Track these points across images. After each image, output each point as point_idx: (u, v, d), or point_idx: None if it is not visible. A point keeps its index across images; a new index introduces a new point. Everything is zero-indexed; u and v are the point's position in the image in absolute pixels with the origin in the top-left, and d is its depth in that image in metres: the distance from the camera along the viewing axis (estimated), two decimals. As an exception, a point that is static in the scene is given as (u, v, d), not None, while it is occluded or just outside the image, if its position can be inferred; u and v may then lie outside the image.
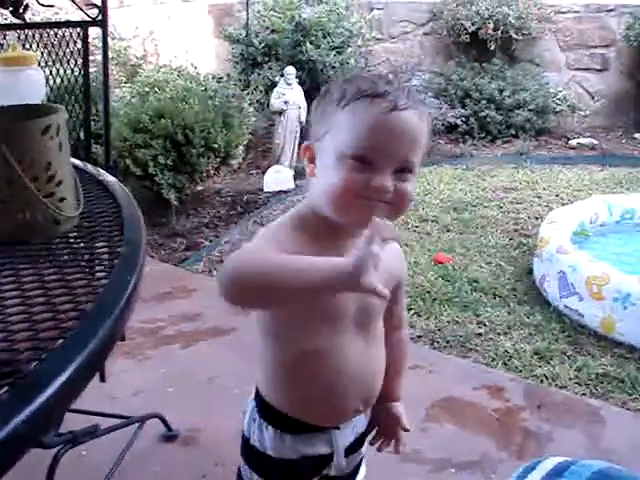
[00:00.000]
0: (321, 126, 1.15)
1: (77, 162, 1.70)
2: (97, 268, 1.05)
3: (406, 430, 1.43)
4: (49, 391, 0.71)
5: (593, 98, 7.28)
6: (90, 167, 1.68)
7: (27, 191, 1.12)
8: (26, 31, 2.44)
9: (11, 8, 2.13)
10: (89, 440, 2.02)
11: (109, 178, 1.57)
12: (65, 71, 2.37)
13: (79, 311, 0.89)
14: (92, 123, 2.48)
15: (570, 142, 6.68)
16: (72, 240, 1.20)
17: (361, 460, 1.48)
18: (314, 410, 1.28)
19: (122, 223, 1.23)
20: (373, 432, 1.45)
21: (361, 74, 1.22)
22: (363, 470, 1.52)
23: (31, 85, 1.80)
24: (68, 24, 2.38)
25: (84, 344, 0.79)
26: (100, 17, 2.33)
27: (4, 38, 2.41)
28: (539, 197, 5.25)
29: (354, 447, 1.38)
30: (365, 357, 1.28)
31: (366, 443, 1.43)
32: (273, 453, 1.28)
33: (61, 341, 0.82)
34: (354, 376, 1.26)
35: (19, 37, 2.45)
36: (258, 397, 1.31)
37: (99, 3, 2.35)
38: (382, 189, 1.07)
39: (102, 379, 2.34)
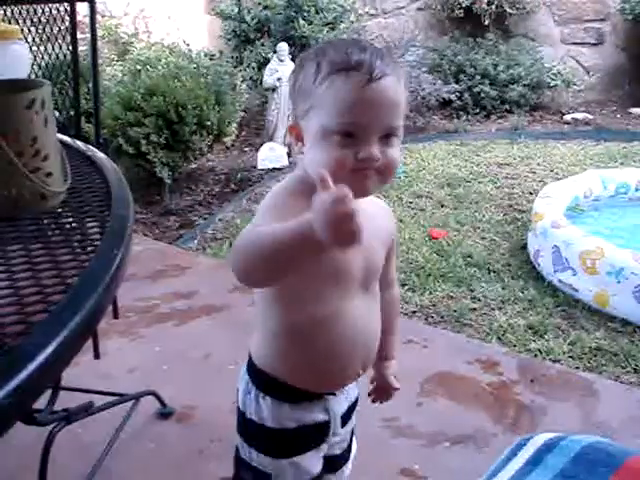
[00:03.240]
0: (303, 104, 1.15)
1: (66, 138, 1.69)
2: (84, 243, 1.04)
3: (396, 389, 1.48)
4: (34, 364, 0.70)
5: (588, 73, 7.26)
6: (79, 143, 1.67)
7: (13, 166, 1.11)
8: (12, 8, 2.41)
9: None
10: (84, 417, 2.02)
11: (98, 154, 1.55)
12: (54, 49, 2.34)
13: (65, 285, 0.89)
14: (83, 102, 2.47)
15: (565, 117, 6.67)
16: (59, 216, 1.19)
17: (352, 435, 1.49)
18: (315, 376, 1.29)
19: (110, 198, 1.22)
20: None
21: (334, 41, 1.21)
22: (354, 447, 1.54)
23: (15, 60, 1.77)
24: (56, -1, 2.35)
25: (70, 317, 0.79)
26: (88, -8, 2.30)
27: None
28: (533, 172, 5.24)
29: (347, 415, 1.40)
30: (367, 319, 1.29)
31: (354, 416, 1.45)
32: (271, 423, 1.27)
33: (46, 315, 0.81)
34: (357, 340, 1.27)
35: (5, 14, 2.42)
36: (253, 369, 1.31)
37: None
38: (370, 159, 1.09)
39: (96, 356, 2.34)
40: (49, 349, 0.72)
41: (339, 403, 1.36)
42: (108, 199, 1.22)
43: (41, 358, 0.71)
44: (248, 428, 1.33)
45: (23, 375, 0.68)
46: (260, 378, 1.30)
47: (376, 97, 1.09)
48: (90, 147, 1.65)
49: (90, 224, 1.12)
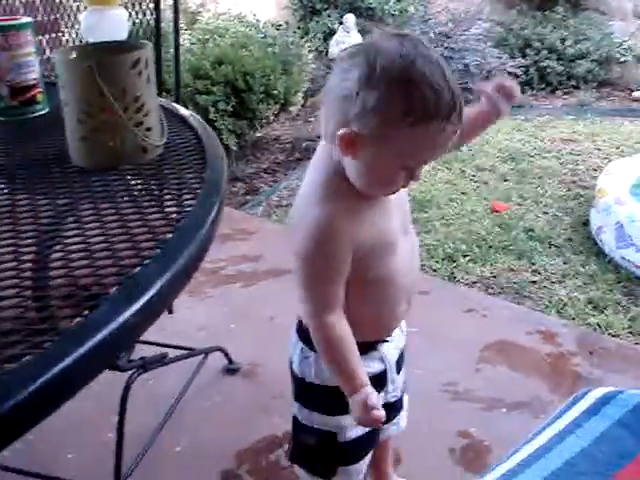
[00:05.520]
0: (376, 124, 1.09)
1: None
2: (183, 191, 1.13)
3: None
4: (152, 291, 0.79)
5: (660, 48, 7.07)
6: (166, 102, 1.77)
7: (118, 119, 1.21)
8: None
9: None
10: (158, 367, 2.12)
11: (184, 111, 1.65)
12: (137, 15, 2.43)
13: (172, 226, 0.98)
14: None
15: (634, 94, 6.51)
16: (159, 167, 1.28)
17: (403, 389, 1.58)
18: (372, 326, 1.35)
19: (203, 152, 1.31)
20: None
21: (421, 62, 1.06)
22: (406, 400, 1.62)
23: (116, 24, 1.89)
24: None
25: (179, 253, 0.88)
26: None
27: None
28: (599, 149, 5.17)
29: (400, 361, 1.49)
30: (410, 256, 1.36)
31: (405, 368, 1.55)
32: (333, 382, 1.30)
33: (159, 250, 0.90)
34: (405, 282, 1.33)
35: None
36: (307, 333, 1.33)
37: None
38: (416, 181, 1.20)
39: (170, 311, 2.44)
40: (164, 278, 0.81)
41: (390, 351, 1.43)
42: (201, 152, 1.31)
43: (157, 285, 0.80)
44: (308, 392, 1.40)
45: (146, 297, 0.77)
46: None
47: (450, 140, 1.14)
48: (176, 105, 1.75)
49: (187, 175, 1.20)
